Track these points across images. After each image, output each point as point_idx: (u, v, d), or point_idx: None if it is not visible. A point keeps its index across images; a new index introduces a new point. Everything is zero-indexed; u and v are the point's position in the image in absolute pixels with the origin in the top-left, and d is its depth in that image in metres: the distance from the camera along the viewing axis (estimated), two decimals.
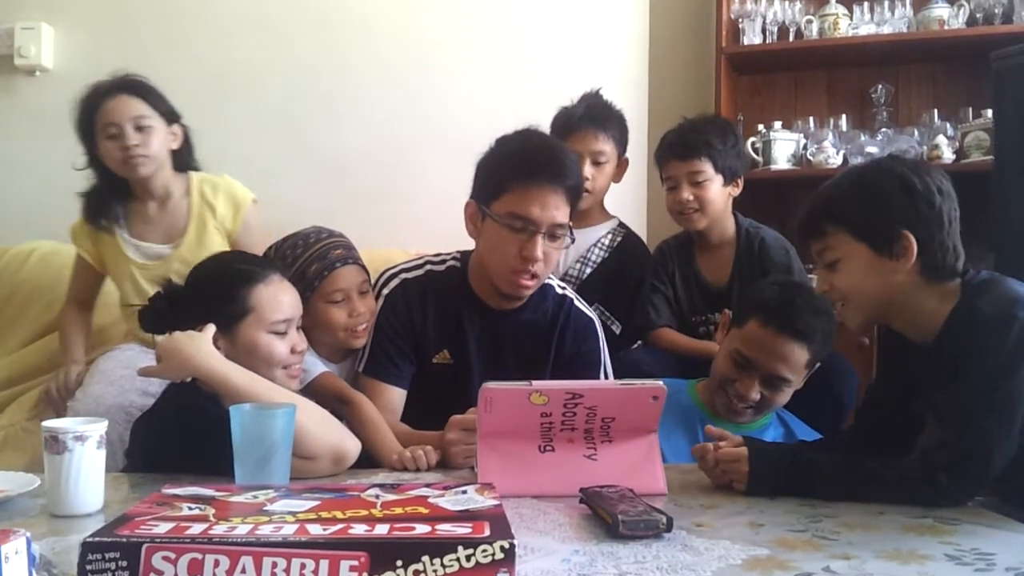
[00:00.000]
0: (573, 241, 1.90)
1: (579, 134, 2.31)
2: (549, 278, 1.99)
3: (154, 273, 2.30)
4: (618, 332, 2.30)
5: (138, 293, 2.34)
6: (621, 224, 2.45)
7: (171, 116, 2.35)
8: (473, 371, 1.89)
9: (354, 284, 1.93)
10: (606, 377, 1.98)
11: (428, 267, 1.99)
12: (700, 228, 2.30)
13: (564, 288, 2.02)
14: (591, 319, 1.99)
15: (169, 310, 1.67)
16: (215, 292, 1.66)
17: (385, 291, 1.96)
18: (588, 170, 2.30)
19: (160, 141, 2.31)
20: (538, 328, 1.93)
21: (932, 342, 1.41)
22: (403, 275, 1.98)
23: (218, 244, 2.36)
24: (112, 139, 2.26)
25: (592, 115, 2.35)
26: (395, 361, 1.92)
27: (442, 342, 1.92)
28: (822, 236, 1.47)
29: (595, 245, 2.38)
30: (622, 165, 2.42)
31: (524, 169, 1.79)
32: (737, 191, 2.32)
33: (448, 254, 2.01)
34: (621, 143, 2.39)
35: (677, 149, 2.28)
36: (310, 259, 1.92)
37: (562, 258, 2.33)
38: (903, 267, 1.40)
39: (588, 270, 2.36)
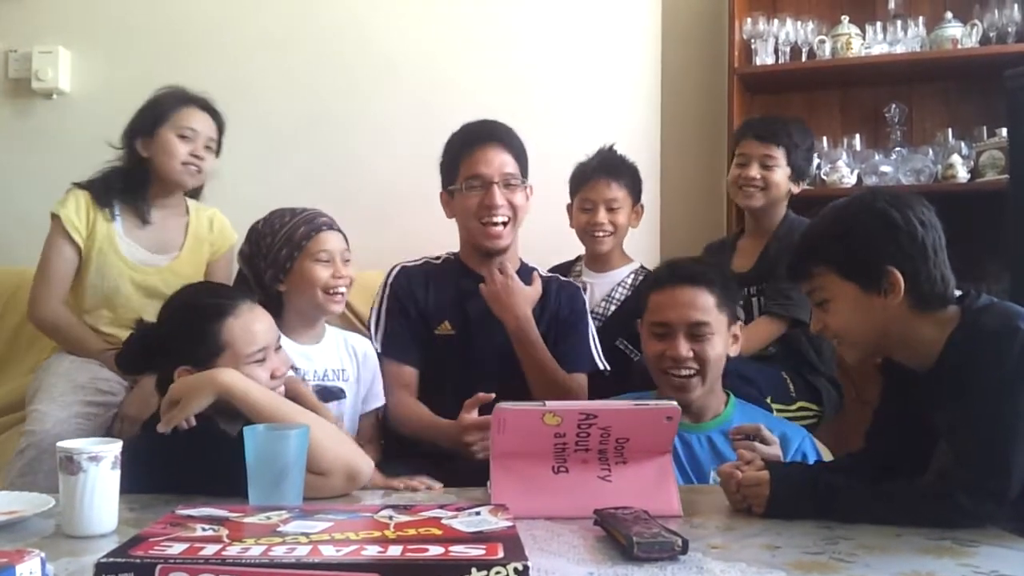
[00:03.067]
0: (529, 192, 2.19)
1: (592, 182, 2.48)
2: (535, 269, 2.24)
3: (141, 280, 2.37)
4: None
5: (117, 295, 2.35)
6: (642, 267, 2.56)
7: (218, 150, 2.50)
8: (473, 338, 2.14)
9: (338, 249, 2.07)
10: (588, 330, 2.23)
11: (426, 260, 2.28)
12: (755, 206, 2.47)
13: (549, 275, 2.30)
14: (577, 286, 2.32)
15: (143, 351, 1.67)
16: (187, 332, 1.63)
17: (390, 279, 2.23)
18: (603, 215, 2.47)
19: (208, 167, 2.47)
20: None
21: (934, 364, 1.41)
22: (403, 264, 2.27)
23: (202, 268, 2.51)
24: (184, 139, 2.38)
25: (604, 166, 2.50)
26: (409, 339, 2.16)
27: (442, 313, 2.17)
28: (809, 278, 1.48)
29: (619, 285, 2.50)
30: (637, 212, 2.55)
31: (467, 141, 2.17)
32: (797, 190, 2.50)
33: (444, 253, 2.29)
34: (634, 192, 2.52)
35: (759, 130, 2.49)
36: (298, 224, 2.06)
37: (589, 297, 2.46)
38: (892, 302, 1.40)
39: (612, 307, 2.47)
